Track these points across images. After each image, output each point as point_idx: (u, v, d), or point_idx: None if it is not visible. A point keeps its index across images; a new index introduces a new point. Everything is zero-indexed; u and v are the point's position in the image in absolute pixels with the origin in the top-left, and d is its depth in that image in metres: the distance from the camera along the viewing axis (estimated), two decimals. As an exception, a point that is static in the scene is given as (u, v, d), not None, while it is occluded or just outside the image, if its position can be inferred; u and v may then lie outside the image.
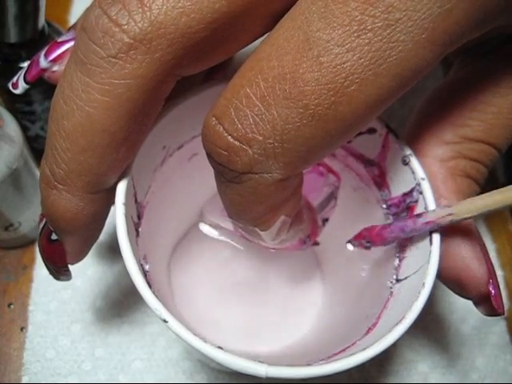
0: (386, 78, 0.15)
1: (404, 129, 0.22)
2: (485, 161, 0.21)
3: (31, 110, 0.30)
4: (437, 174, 0.21)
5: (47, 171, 0.19)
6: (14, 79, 0.24)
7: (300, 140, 0.16)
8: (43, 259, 0.23)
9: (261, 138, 0.16)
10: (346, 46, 0.15)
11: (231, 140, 0.16)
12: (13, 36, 0.27)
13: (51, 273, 0.24)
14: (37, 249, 0.33)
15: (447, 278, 0.21)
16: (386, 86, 0.15)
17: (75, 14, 0.42)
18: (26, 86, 0.24)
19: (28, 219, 0.31)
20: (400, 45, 0.15)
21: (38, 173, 0.31)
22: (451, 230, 0.20)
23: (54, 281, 0.32)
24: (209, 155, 0.17)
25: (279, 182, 0.17)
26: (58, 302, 0.32)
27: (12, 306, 0.32)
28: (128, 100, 0.17)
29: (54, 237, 0.21)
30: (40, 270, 0.32)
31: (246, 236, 0.22)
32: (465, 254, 0.20)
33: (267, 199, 0.18)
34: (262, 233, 0.20)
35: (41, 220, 0.22)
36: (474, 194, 0.21)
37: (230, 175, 0.17)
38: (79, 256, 0.23)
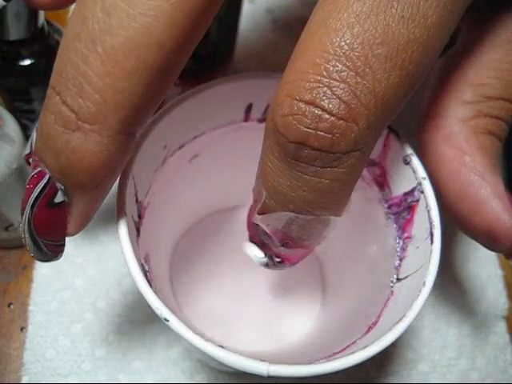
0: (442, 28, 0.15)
1: (418, 109, 0.22)
2: (505, 117, 0.21)
3: (31, 109, 0.30)
4: (459, 133, 0.20)
5: (65, 109, 0.15)
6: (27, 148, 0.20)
7: (396, 102, 0.15)
8: (32, 232, 0.18)
9: (366, 110, 0.15)
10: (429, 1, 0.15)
11: (336, 120, 0.15)
12: (12, 34, 0.27)
13: (37, 251, 0.18)
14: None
15: (478, 231, 0.20)
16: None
17: (75, 13, 0.42)
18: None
19: (28, 219, 0.31)
20: None
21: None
22: (479, 185, 0.20)
23: (54, 281, 0.32)
24: (298, 146, 0.15)
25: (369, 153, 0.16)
26: (58, 302, 0.32)
27: (12, 306, 0.32)
28: (190, 10, 0.14)
29: (58, 199, 0.17)
30: (40, 270, 0.32)
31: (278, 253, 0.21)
32: (495, 206, 0.20)
33: (359, 176, 0.17)
34: (332, 222, 0.18)
35: (38, 179, 0.17)
36: (496, 151, 0.21)
37: (327, 160, 0.16)
38: (85, 223, 0.19)
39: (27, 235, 0.18)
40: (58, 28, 0.30)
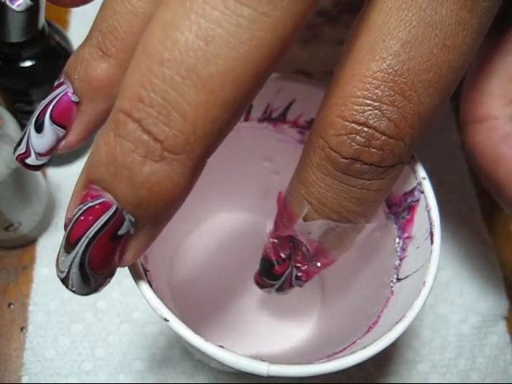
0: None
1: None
2: None
3: (31, 110, 0.30)
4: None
5: (147, 138, 0.14)
6: (21, 147, 0.20)
7: (433, 119, 0.17)
8: (84, 267, 0.16)
9: (411, 129, 0.17)
10: (462, 25, 0.16)
11: (387, 139, 0.17)
12: (13, 36, 0.27)
13: (83, 285, 0.17)
14: (37, 248, 0.33)
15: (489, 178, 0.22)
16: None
17: (75, 14, 0.42)
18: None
19: (28, 219, 0.31)
20: None
21: (37, 173, 0.31)
22: (491, 134, 0.21)
23: (54, 281, 0.32)
24: (351, 161, 0.17)
25: None
26: (58, 302, 0.32)
27: (12, 306, 0.32)
28: (285, 38, 0.14)
29: (122, 231, 0.16)
30: (40, 270, 0.32)
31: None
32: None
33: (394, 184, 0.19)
34: (365, 230, 0.20)
35: (101, 210, 0.15)
36: None
37: (375, 173, 0.17)
38: (142, 253, 0.17)
39: (75, 270, 0.16)
40: (59, 29, 0.30)
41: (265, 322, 0.31)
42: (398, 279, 0.22)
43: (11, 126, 0.28)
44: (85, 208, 0.16)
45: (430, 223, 0.20)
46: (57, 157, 0.35)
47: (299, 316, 0.31)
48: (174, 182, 0.15)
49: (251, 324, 0.31)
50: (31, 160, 0.20)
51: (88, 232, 0.16)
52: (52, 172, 0.36)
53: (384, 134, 0.17)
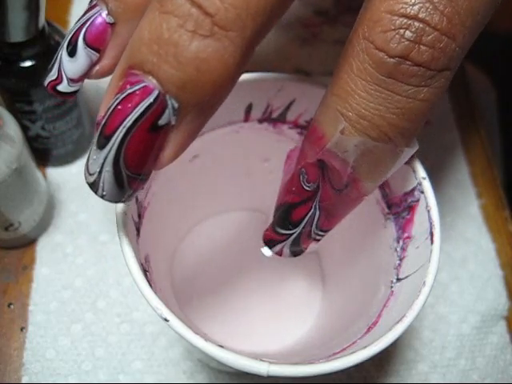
0: None
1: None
2: None
3: (31, 110, 0.30)
4: None
5: (197, 11, 0.13)
6: (52, 73, 0.19)
7: (481, 24, 0.16)
8: (119, 163, 0.15)
9: (463, 28, 0.16)
10: None
11: (438, 35, 0.16)
12: (13, 35, 0.27)
13: (116, 187, 0.15)
14: (37, 248, 0.33)
15: None
16: None
17: (75, 14, 0.42)
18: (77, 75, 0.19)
19: (28, 219, 0.31)
20: None
21: (37, 173, 0.31)
22: None
23: (54, 281, 0.32)
24: (398, 60, 0.16)
25: None
26: (58, 302, 0.32)
27: (12, 306, 0.32)
28: None
29: (163, 121, 0.14)
30: (40, 270, 0.32)
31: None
32: None
33: (440, 100, 0.17)
34: (403, 155, 0.18)
35: (141, 96, 0.14)
36: None
37: (424, 76, 0.16)
38: (182, 151, 0.16)
39: (108, 168, 0.15)
40: (59, 29, 0.30)
41: (265, 321, 0.31)
42: (398, 279, 0.22)
43: (11, 126, 0.28)
44: (122, 96, 0.14)
45: (430, 223, 0.20)
46: (57, 157, 0.35)
47: (299, 316, 0.31)
48: (223, 61, 0.14)
49: (251, 323, 0.31)
50: (63, 86, 0.19)
51: (126, 121, 0.14)
52: (52, 172, 0.36)
53: (436, 29, 0.15)
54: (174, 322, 0.18)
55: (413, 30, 0.15)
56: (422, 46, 0.16)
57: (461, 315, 0.34)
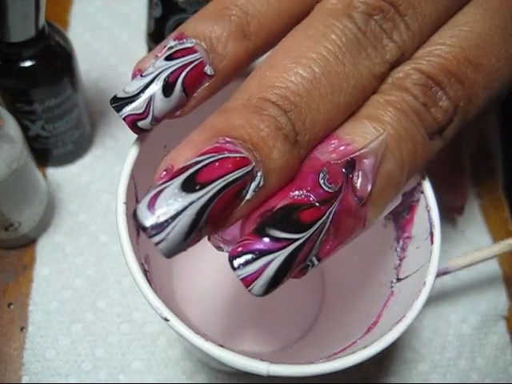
0: None
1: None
2: None
3: (32, 110, 0.30)
4: None
5: (289, 124, 0.16)
6: (136, 106, 0.18)
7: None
8: (205, 216, 0.15)
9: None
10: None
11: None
12: (13, 36, 0.27)
13: (185, 238, 0.15)
14: (37, 248, 0.33)
15: None
16: None
17: (75, 14, 0.42)
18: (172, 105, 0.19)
19: (28, 219, 0.31)
20: None
21: (37, 173, 0.31)
22: None
23: (54, 281, 0.32)
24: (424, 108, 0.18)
25: None
26: (57, 302, 0.32)
27: (12, 306, 0.32)
28: None
29: (245, 192, 0.16)
30: (40, 270, 0.32)
31: None
32: None
33: None
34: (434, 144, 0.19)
35: (242, 164, 0.16)
36: None
37: (436, 128, 0.18)
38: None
39: (191, 213, 0.15)
40: (59, 29, 0.30)
41: (265, 321, 0.31)
42: (398, 279, 0.22)
43: (11, 126, 0.28)
44: (220, 157, 0.15)
45: (430, 223, 0.20)
46: (57, 157, 0.35)
47: (299, 316, 0.31)
48: (292, 165, 0.17)
49: (252, 323, 0.31)
50: (145, 123, 0.19)
51: (227, 177, 0.15)
52: (52, 172, 0.36)
53: (449, 98, 0.18)
54: (174, 321, 0.18)
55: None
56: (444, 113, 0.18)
57: (461, 315, 0.34)
